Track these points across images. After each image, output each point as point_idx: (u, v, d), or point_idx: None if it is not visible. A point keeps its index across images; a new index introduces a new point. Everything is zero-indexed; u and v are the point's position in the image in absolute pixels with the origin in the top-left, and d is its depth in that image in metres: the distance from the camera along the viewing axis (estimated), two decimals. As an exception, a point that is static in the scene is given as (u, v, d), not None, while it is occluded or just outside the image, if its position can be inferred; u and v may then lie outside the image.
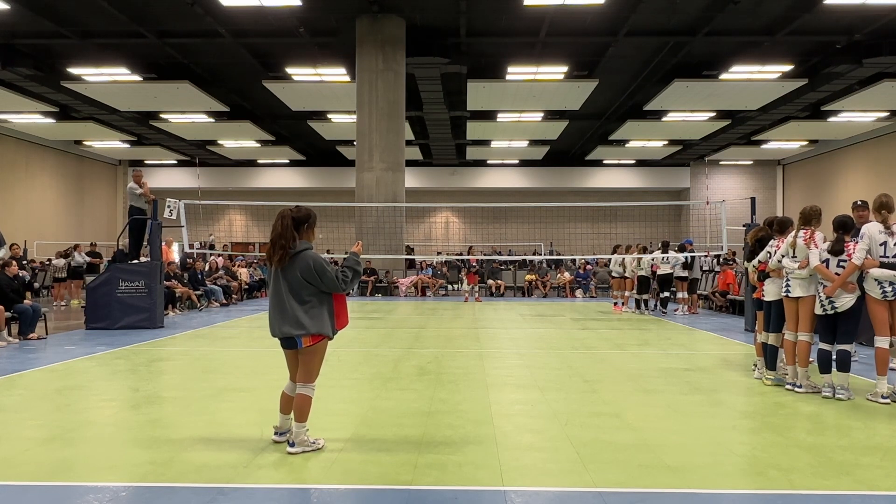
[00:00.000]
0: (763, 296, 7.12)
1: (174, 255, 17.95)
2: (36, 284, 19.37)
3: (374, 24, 18.04)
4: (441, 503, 3.68)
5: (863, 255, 6.12)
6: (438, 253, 30.65)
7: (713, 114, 24.15)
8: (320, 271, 4.43)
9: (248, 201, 29.92)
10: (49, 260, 23.69)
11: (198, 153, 31.59)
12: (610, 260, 17.44)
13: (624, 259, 16.00)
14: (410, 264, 24.02)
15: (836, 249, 6.32)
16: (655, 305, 16.10)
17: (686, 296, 15.73)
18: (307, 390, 4.55)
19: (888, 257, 6.10)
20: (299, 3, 15.25)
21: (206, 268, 18.78)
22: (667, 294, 16.02)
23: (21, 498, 3.76)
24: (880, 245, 6.13)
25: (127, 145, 30.27)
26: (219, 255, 21.13)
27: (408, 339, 10.63)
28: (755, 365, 7.40)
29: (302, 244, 4.51)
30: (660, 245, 16.36)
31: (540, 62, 18.94)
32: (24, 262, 16.59)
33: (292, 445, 4.48)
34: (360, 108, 19.28)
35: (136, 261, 12.67)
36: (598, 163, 34.01)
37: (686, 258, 15.43)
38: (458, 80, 20.46)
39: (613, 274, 16.61)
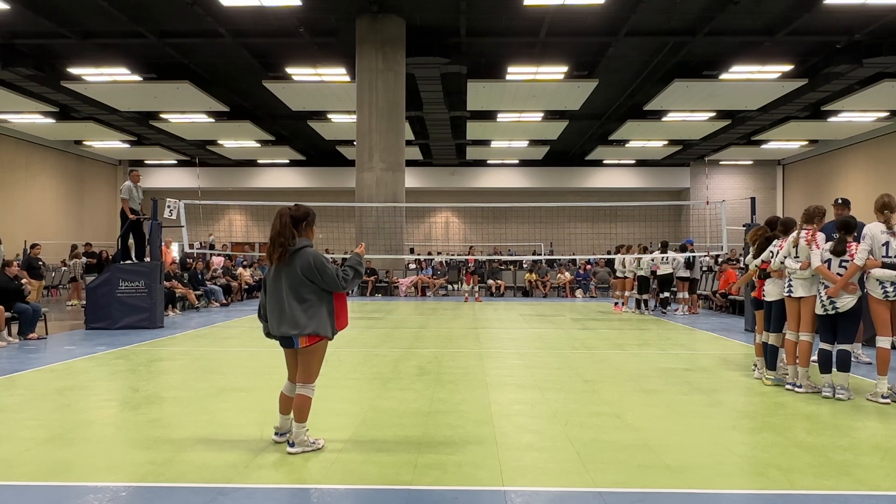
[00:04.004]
0: (763, 296, 7.12)
1: (174, 254, 17.99)
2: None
3: (374, 24, 18.04)
4: (441, 503, 3.68)
5: (865, 256, 6.13)
6: (438, 253, 30.65)
7: (713, 114, 24.14)
8: (320, 268, 4.43)
9: (248, 201, 29.94)
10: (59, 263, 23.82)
11: (198, 153, 31.59)
12: (609, 260, 17.45)
13: (624, 259, 16.00)
14: (418, 263, 24.13)
15: (839, 250, 6.32)
16: (655, 305, 16.11)
17: (686, 296, 15.73)
18: (307, 391, 4.54)
19: (890, 257, 6.11)
20: (299, 3, 15.25)
21: (213, 270, 18.81)
22: (667, 294, 16.02)
23: (21, 498, 3.76)
24: (882, 245, 6.13)
25: (127, 145, 30.27)
26: (217, 255, 21.14)
27: (408, 339, 10.63)
28: (755, 365, 7.40)
29: (302, 241, 4.51)
30: (659, 245, 16.36)
31: (540, 62, 18.94)
32: (39, 262, 16.85)
33: (292, 445, 4.48)
34: (360, 108, 19.27)
35: (129, 261, 12.68)
36: (598, 163, 34.01)
37: (688, 258, 15.43)
38: (458, 80, 20.46)
39: (618, 274, 16.60)
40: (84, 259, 19.36)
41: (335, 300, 4.59)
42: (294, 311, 4.43)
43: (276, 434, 4.71)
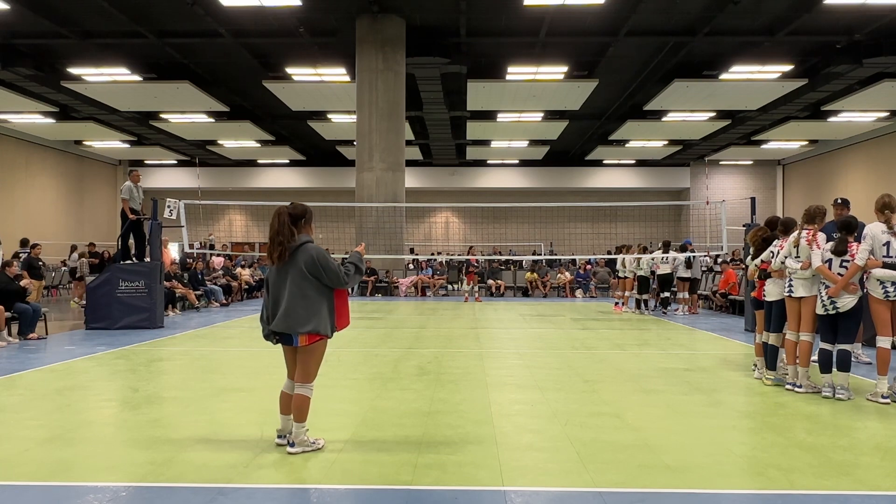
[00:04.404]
0: (763, 296, 7.12)
1: (172, 255, 18.00)
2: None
3: (374, 24, 18.04)
4: (441, 503, 3.68)
5: (866, 256, 6.13)
6: (439, 253, 30.65)
7: (713, 114, 24.14)
8: (324, 262, 4.45)
9: (248, 201, 29.93)
10: (61, 263, 23.87)
11: (198, 153, 31.58)
12: (610, 260, 17.43)
13: (625, 259, 16.01)
14: (416, 264, 24.16)
15: (840, 250, 6.32)
16: (656, 305, 16.10)
17: (687, 296, 15.72)
18: (305, 390, 4.54)
19: (891, 257, 6.11)
20: (299, 3, 15.25)
21: (214, 270, 18.82)
22: (667, 294, 16.02)
23: (21, 498, 3.76)
24: (883, 245, 6.13)
25: (127, 145, 30.27)
26: (218, 255, 21.14)
27: (408, 339, 10.63)
28: (755, 365, 7.40)
29: (302, 237, 4.52)
30: (660, 245, 16.35)
31: (540, 62, 18.94)
32: (40, 262, 16.98)
33: (292, 445, 4.48)
34: (360, 108, 19.28)
35: (129, 261, 12.69)
36: (598, 163, 34.00)
37: (689, 258, 15.43)
38: (458, 80, 20.45)
39: (619, 274, 16.59)
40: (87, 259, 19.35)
41: (336, 298, 4.59)
42: (296, 308, 4.43)
43: (279, 437, 4.66)
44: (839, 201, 7.85)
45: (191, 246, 17.56)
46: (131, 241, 13.22)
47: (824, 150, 29.62)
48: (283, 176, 34.68)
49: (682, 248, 16.03)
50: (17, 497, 3.76)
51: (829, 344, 6.43)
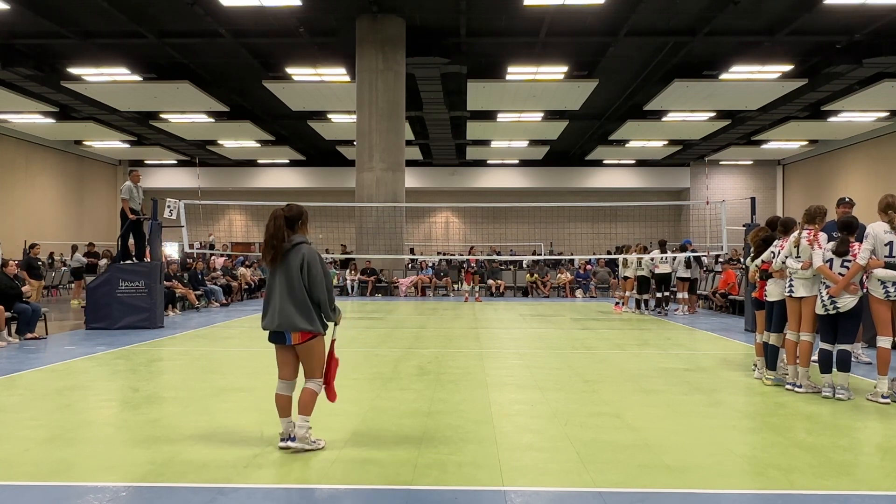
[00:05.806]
0: (764, 296, 7.12)
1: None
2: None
3: (374, 24, 18.04)
4: (441, 503, 3.68)
5: (867, 256, 6.12)
6: (440, 253, 30.65)
7: (713, 114, 24.16)
8: (312, 267, 4.46)
9: (248, 201, 29.94)
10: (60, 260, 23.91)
11: (198, 153, 31.60)
12: (610, 260, 17.41)
13: (626, 259, 16.01)
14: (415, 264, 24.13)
15: (841, 250, 6.31)
16: (656, 305, 16.10)
17: (686, 296, 15.72)
18: (314, 385, 4.57)
19: (893, 257, 6.10)
20: (299, 3, 15.26)
21: (214, 270, 18.82)
22: (666, 294, 16.01)
23: (21, 498, 3.75)
24: (885, 245, 6.13)
25: (127, 145, 30.29)
26: (219, 256, 21.13)
27: (408, 339, 10.63)
28: (755, 365, 7.39)
29: (296, 238, 4.54)
30: (658, 244, 16.34)
31: (540, 62, 18.95)
32: (39, 262, 17.04)
33: (293, 440, 4.48)
34: (360, 108, 19.28)
35: (129, 261, 12.69)
36: (598, 163, 34.02)
37: (689, 258, 15.43)
38: (458, 80, 20.46)
39: (622, 275, 16.57)
40: (85, 259, 19.34)
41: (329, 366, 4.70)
42: (287, 306, 4.45)
43: (282, 440, 4.62)
44: (847, 200, 7.86)
45: (191, 246, 17.56)
46: (131, 240, 13.21)
47: (824, 150, 29.62)
48: (283, 176, 34.70)
49: (682, 248, 16.02)
50: (17, 497, 3.76)
51: (829, 344, 6.43)
